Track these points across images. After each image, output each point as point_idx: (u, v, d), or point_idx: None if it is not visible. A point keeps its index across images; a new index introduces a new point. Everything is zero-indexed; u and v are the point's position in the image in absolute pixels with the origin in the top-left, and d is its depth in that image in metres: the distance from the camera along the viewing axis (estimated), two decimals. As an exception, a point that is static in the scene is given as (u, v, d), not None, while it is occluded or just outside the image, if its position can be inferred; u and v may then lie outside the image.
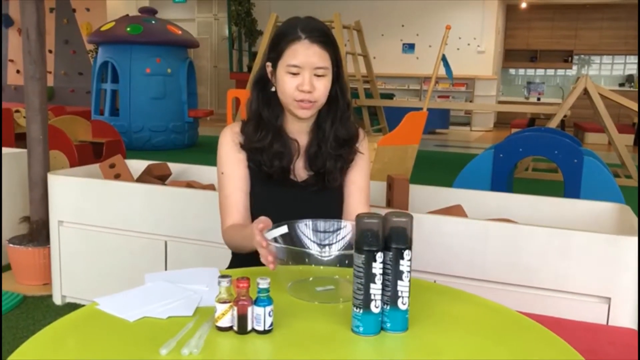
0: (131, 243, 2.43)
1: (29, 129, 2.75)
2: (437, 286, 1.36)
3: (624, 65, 13.51)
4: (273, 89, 1.51)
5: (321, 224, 1.38)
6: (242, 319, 1.08)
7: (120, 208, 2.44)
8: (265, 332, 1.08)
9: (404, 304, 1.10)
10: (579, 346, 1.15)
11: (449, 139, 10.35)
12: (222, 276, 1.10)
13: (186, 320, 1.13)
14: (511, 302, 1.82)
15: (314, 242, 1.37)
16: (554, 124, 6.13)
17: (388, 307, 1.10)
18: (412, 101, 10.46)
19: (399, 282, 1.09)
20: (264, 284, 1.08)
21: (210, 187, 2.60)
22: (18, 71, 11.77)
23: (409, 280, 1.10)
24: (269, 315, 1.08)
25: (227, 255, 1.69)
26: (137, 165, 2.81)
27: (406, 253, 1.09)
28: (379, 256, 1.07)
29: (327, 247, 1.37)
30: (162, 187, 2.43)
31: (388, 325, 1.11)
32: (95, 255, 2.52)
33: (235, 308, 1.08)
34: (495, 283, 1.87)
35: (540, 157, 5.97)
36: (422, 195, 2.44)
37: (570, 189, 4.24)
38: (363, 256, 1.07)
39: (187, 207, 2.35)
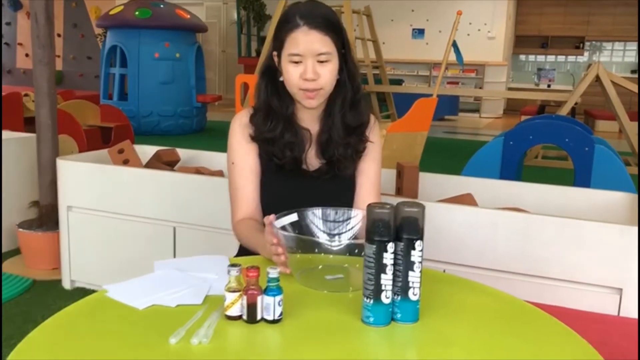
0: (140, 229, 2.43)
1: (37, 114, 2.75)
2: (447, 276, 1.34)
3: (637, 52, 13.33)
4: (281, 79, 1.49)
5: (331, 213, 1.36)
6: (251, 308, 1.08)
7: (128, 194, 2.44)
8: (274, 321, 1.08)
9: (415, 295, 1.09)
10: (589, 337, 1.14)
11: (457, 126, 10.29)
12: (232, 265, 1.10)
13: (195, 309, 1.13)
14: (521, 292, 1.81)
15: (323, 231, 1.36)
16: (564, 111, 6.07)
17: (399, 298, 1.09)
18: (422, 87, 10.40)
19: (410, 273, 1.08)
20: (273, 273, 1.08)
21: (219, 174, 2.59)
22: (27, 55, 11.78)
23: (420, 271, 1.09)
24: (279, 304, 1.08)
25: (236, 242, 1.68)
26: (145, 151, 2.80)
27: (417, 244, 1.08)
28: (390, 247, 1.06)
29: (336, 237, 1.36)
30: (170, 173, 2.43)
31: (398, 315, 1.10)
32: (104, 241, 2.52)
33: (245, 297, 1.07)
34: (505, 273, 1.86)
35: (550, 145, 5.92)
36: (431, 183, 2.43)
37: (580, 177, 4.20)
38: (374, 246, 1.06)
39: (196, 194, 2.34)
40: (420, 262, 1.09)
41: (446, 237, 1.91)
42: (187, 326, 1.06)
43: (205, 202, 2.32)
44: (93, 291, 2.64)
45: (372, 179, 1.57)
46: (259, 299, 1.08)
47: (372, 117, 1.57)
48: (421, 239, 1.08)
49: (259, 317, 1.08)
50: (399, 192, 2.30)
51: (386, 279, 1.07)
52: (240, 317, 1.09)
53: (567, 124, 4.54)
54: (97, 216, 2.51)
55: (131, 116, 7.31)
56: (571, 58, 13.81)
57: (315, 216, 1.39)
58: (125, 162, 2.56)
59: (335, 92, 1.49)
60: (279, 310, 1.08)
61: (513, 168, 4.37)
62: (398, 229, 1.07)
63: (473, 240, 1.88)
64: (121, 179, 2.45)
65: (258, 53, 11.81)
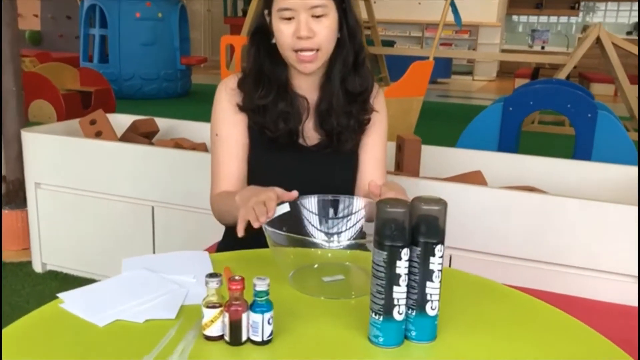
0: (115, 208, 2.22)
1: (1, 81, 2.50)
2: (466, 276, 1.16)
3: (629, 13, 13.05)
4: (273, 41, 1.27)
5: (330, 206, 1.17)
6: (235, 327, 0.88)
7: (102, 170, 2.22)
8: (263, 343, 0.89)
9: (434, 309, 0.90)
10: (614, 335, 1.00)
11: (450, 89, 10.04)
12: (211, 275, 0.90)
13: (168, 325, 0.94)
14: (536, 280, 1.64)
15: (320, 230, 1.17)
16: (563, 75, 5.85)
17: (414, 313, 0.91)
18: (416, 49, 10.09)
19: (428, 284, 0.89)
20: (262, 285, 0.88)
21: (202, 147, 2.38)
22: None
23: (440, 281, 0.90)
24: (268, 323, 0.89)
25: (221, 225, 1.49)
26: (120, 121, 2.57)
27: (438, 249, 0.88)
28: (405, 253, 0.87)
29: (335, 235, 1.16)
30: (147, 147, 2.21)
31: (413, 334, 0.91)
32: (76, 221, 2.31)
33: (227, 314, 0.88)
34: (518, 259, 1.68)
35: (546, 110, 5.73)
36: (432, 156, 2.23)
37: (582, 145, 4.03)
38: (385, 253, 0.86)
39: (176, 170, 2.13)
40: (440, 271, 0.90)
41: (453, 220, 1.71)
42: (156, 350, 0.87)
43: (186, 179, 2.11)
44: (66, 275, 2.49)
45: (377, 156, 1.37)
46: (244, 316, 0.88)
47: (375, 84, 1.36)
48: (442, 242, 0.89)
49: (244, 338, 0.89)
50: (398, 167, 2.10)
51: (399, 292, 0.88)
52: (221, 337, 0.89)
53: (569, 89, 4.34)
54: (68, 194, 2.29)
55: (112, 79, 7.00)
56: (563, 19, 13.50)
57: (311, 207, 1.19)
58: (98, 135, 2.33)
59: (334, 54, 1.29)
60: (268, 329, 0.89)
61: (512, 135, 4.18)
62: (414, 230, 0.88)
63: (483, 224, 1.70)
64: (93, 153, 2.22)
65: (245, 12, 11.39)
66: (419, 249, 0.88)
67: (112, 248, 2.23)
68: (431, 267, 0.88)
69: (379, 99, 1.37)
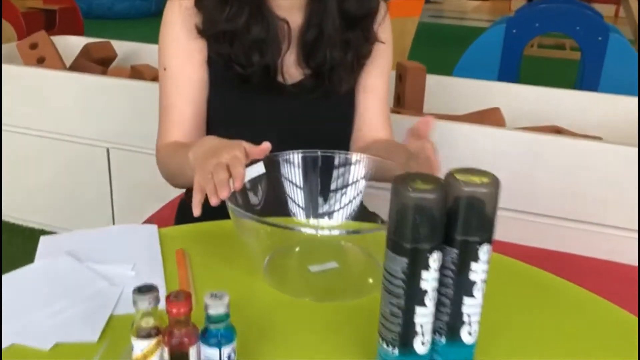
0: (64, 150, 1.88)
1: None
2: (508, 262, 0.86)
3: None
4: None
5: (319, 170, 0.86)
6: (179, 365, 0.59)
7: (46, 104, 1.87)
8: (222, 386, 0.60)
9: (472, 335, 0.62)
10: None
11: (443, 9, 9.50)
12: (141, 289, 0.59)
13: (85, 352, 0.65)
14: (569, 242, 1.36)
15: (304, 204, 0.87)
16: (566, -7, 5.41)
17: (443, 340, 0.62)
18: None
19: (467, 300, 0.60)
20: (217, 306, 0.58)
21: (166, 76, 2.02)
22: None
23: (483, 295, 0.61)
24: (229, 359, 0.59)
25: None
26: (70, 45, 2.18)
27: (483, 250, 0.58)
28: (435, 258, 0.57)
29: (325, 215, 0.86)
30: (99, 77, 1.85)
31: (441, 367, 0.63)
32: (19, 165, 1.98)
33: (167, 347, 0.59)
34: (548, 217, 1.40)
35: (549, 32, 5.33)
36: (436, 87, 1.89)
37: (590, 71, 3.70)
38: (405, 260, 0.56)
39: (135, 104, 1.79)
40: (484, 281, 0.60)
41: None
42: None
43: (147, 115, 1.76)
44: (13, 225, 2.18)
45: (381, 99, 1.06)
46: (192, 350, 0.59)
47: (382, 4, 1.02)
48: (489, 240, 0.59)
49: (194, 380, 0.60)
50: (398, 101, 1.77)
51: (424, 315, 0.59)
52: (160, 378, 0.61)
53: (578, 9, 3.96)
54: (8, 132, 1.94)
55: (79, -3, 6.42)
56: None
57: (293, 168, 0.88)
58: (41, 61, 1.96)
59: None
60: (229, 367, 0.60)
61: (515, 61, 3.83)
62: (449, 222, 0.57)
63: (505, 175, 1.39)
64: (34, 84, 1.86)
65: None
66: (455, 250, 0.58)
67: (62, 197, 1.92)
68: (472, 276, 0.59)
69: (386, 26, 1.04)
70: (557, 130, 1.49)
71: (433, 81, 1.87)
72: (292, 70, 1.02)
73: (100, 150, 1.85)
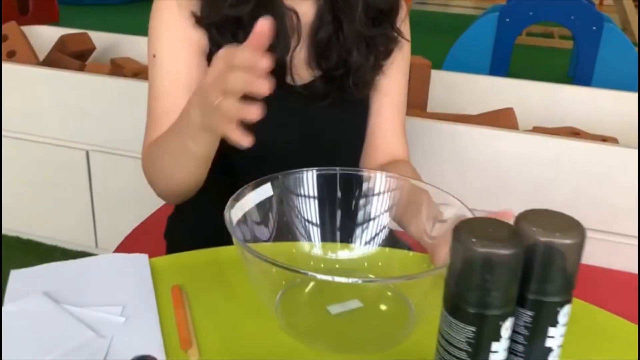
0: (38, 153, 1.74)
1: None
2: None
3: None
4: None
5: (338, 193, 0.74)
6: None
7: (18, 103, 1.72)
8: None
9: (541, 408, 0.51)
10: None
11: (427, -4, 9.39)
12: (137, 363, 0.47)
13: None
14: (593, 255, 1.28)
15: (320, 229, 0.75)
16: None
17: (507, 415, 0.51)
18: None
19: (539, 370, 0.49)
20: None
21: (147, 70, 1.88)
22: None
23: (558, 362, 0.50)
24: None
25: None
26: (43, 36, 2.03)
27: (563, 312, 0.47)
28: (508, 327, 0.46)
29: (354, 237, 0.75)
30: (75, 73, 1.70)
31: None
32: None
33: None
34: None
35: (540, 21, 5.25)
36: (437, 83, 1.78)
37: (584, 62, 3.62)
38: (471, 329, 0.45)
39: (116, 103, 1.65)
40: (560, 346, 0.49)
41: (480, 174, 1.32)
42: None
43: (129, 115, 1.64)
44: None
45: (398, 104, 0.95)
46: None
47: (402, 1, 0.91)
48: (570, 300, 0.48)
49: None
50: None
51: (490, 392, 0.47)
52: None
53: (571, -3, 3.87)
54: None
55: (54, -19, 6.17)
56: None
57: (307, 192, 0.76)
58: (11, 55, 1.80)
59: None
60: None
61: (508, 51, 3.74)
62: (523, 278, 0.46)
63: (522, 181, 1.30)
64: (5, 80, 1.71)
65: None
66: (528, 313, 0.47)
67: (38, 203, 1.78)
68: (548, 343, 0.48)
69: (407, 21, 0.92)
70: (576, 133, 1.40)
71: (434, 76, 1.76)
72: (300, 69, 0.89)
73: (79, 153, 1.70)
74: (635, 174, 1.25)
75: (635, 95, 1.65)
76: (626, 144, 1.31)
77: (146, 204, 1.39)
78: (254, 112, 0.59)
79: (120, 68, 1.85)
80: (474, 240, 0.44)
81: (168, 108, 0.87)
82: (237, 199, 0.69)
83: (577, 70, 3.65)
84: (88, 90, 1.67)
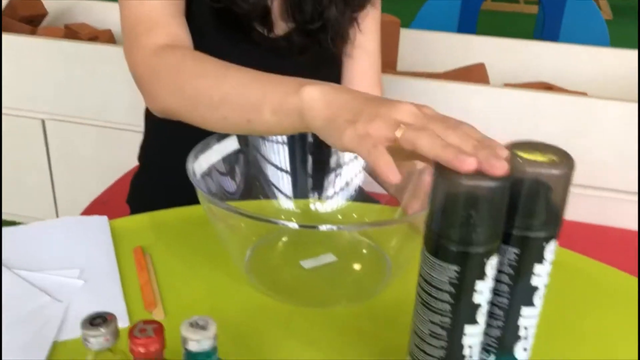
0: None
1: None
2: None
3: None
4: None
5: (307, 144, 0.71)
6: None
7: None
8: None
9: (527, 350, 0.49)
10: None
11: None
12: (94, 320, 0.43)
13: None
14: (577, 210, 1.28)
15: (291, 184, 0.72)
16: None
17: (491, 359, 0.49)
18: None
19: (525, 310, 0.47)
20: (200, 342, 0.43)
21: (106, 36, 1.79)
22: None
23: (542, 303, 0.48)
24: (219, 406, 0.45)
25: (135, 142, 1.01)
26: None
27: (549, 249, 0.45)
28: (493, 265, 0.43)
29: (324, 190, 0.72)
30: (28, 37, 1.61)
31: (487, 393, 0.50)
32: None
33: (133, 397, 0.43)
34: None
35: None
36: (406, 41, 1.74)
37: (550, 23, 3.62)
38: (454, 268, 0.42)
39: (72, 70, 1.57)
40: (546, 285, 0.47)
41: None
42: None
43: (87, 81, 1.56)
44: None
45: (374, 57, 0.91)
46: (168, 399, 0.44)
47: None
48: (555, 235, 0.45)
49: None
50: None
51: (475, 335, 0.45)
52: None
53: (536, -40, 3.86)
54: None
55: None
56: None
57: (277, 143, 0.72)
58: (-43, 21, 1.69)
59: None
60: (219, 416, 0.45)
61: (475, 13, 3.72)
62: (508, 213, 0.43)
63: (496, 137, 1.27)
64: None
65: None
66: (514, 250, 0.44)
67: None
68: (534, 281, 0.45)
69: None
70: (548, 87, 1.38)
71: (402, 35, 1.72)
72: (277, 22, 0.84)
73: (35, 122, 1.62)
74: (613, 126, 1.24)
75: (605, 49, 1.64)
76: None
77: (107, 173, 1.33)
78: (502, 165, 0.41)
79: (75, 34, 1.76)
80: (460, 174, 0.40)
81: (154, 8, 0.71)
82: (201, 151, 0.65)
83: (543, 32, 3.65)
84: (42, 56, 1.58)
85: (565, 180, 0.43)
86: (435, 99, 1.29)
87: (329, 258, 0.68)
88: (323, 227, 0.53)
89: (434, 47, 1.66)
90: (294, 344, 0.57)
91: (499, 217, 0.42)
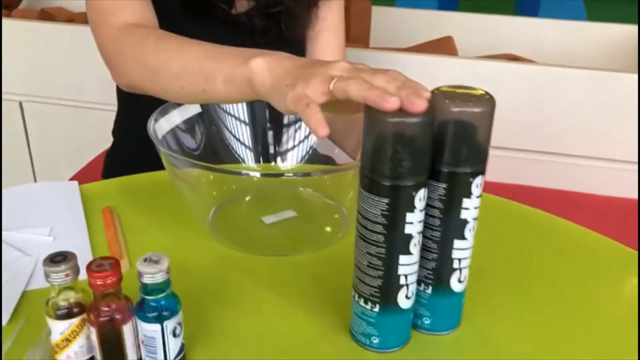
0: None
1: None
2: (495, 201, 0.77)
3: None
4: None
5: (267, 110, 0.74)
6: (110, 348, 0.48)
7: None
8: (169, 368, 0.49)
9: (462, 281, 0.53)
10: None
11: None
12: (55, 258, 0.47)
13: (-8, 342, 0.52)
14: (535, 175, 1.32)
15: (250, 148, 0.75)
16: None
17: (429, 291, 0.53)
18: None
19: (457, 243, 0.51)
20: (154, 273, 0.46)
21: (82, 18, 1.80)
22: None
23: (474, 235, 0.52)
24: (174, 335, 0.48)
25: (112, 121, 1.04)
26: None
27: (476, 183, 0.49)
28: (421, 197, 0.47)
29: (280, 156, 0.75)
30: (3, 20, 1.62)
31: (427, 322, 0.54)
32: None
33: (94, 328, 0.47)
34: (512, 150, 1.33)
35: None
36: (379, 18, 1.77)
37: (530, 2, 3.65)
38: (385, 201, 0.46)
39: (49, 51, 1.58)
40: (476, 219, 0.51)
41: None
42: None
43: (63, 63, 1.58)
44: None
45: (335, 26, 0.93)
46: (126, 328, 0.47)
47: None
48: (483, 171, 0.49)
49: (131, 365, 0.49)
50: (342, 36, 1.64)
51: (409, 264, 0.49)
52: (90, 364, 0.49)
53: None
54: None
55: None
56: None
57: (235, 106, 0.75)
58: None
59: None
60: (175, 345, 0.49)
61: (454, -3, 3.74)
62: (436, 152, 0.47)
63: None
64: None
65: None
66: (442, 185, 0.48)
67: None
68: (463, 215, 0.49)
69: None
70: (515, 59, 1.41)
71: (375, 12, 1.75)
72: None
73: (12, 105, 1.64)
74: (577, 95, 1.27)
75: (582, 23, 1.67)
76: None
77: (86, 152, 1.35)
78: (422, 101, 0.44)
79: (51, 17, 1.77)
80: (386, 113, 0.44)
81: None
82: (162, 113, 0.68)
83: (523, 5, 3.68)
84: (17, 37, 1.59)
85: (488, 118, 0.47)
86: (403, 70, 1.32)
87: (289, 214, 0.72)
88: (285, 177, 0.56)
89: (414, 24, 1.69)
90: (256, 288, 0.60)
91: (424, 152, 0.45)
